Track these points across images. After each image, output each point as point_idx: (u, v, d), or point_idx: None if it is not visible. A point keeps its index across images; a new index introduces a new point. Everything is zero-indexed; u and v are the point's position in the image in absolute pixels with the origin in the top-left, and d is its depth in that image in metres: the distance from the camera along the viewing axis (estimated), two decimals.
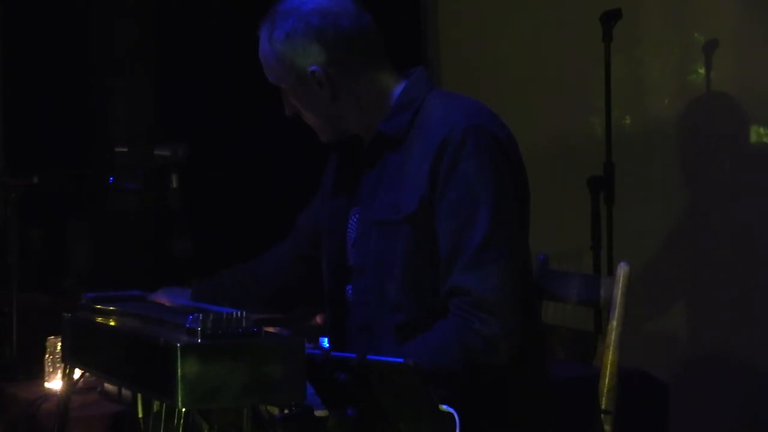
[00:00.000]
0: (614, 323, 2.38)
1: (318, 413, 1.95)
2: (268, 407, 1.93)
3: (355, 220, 2.43)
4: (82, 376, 2.44)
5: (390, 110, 2.38)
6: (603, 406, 2.37)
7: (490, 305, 2.22)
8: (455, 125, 2.28)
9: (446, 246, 2.26)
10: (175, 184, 2.82)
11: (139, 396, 2.24)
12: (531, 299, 2.41)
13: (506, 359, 2.25)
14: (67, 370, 2.33)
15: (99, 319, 2.14)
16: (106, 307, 2.19)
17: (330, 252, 2.48)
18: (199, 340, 1.78)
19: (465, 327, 2.22)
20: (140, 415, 2.23)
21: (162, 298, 2.31)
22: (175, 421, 1.88)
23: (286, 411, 1.91)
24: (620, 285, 2.38)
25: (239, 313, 1.83)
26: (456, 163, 2.26)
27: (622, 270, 2.39)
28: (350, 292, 2.42)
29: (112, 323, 2.10)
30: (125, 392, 2.60)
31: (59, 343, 2.75)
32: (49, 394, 2.82)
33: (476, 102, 2.38)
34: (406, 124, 2.35)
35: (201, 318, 1.79)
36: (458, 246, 2.25)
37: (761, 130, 3.87)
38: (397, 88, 2.40)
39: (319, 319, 2.85)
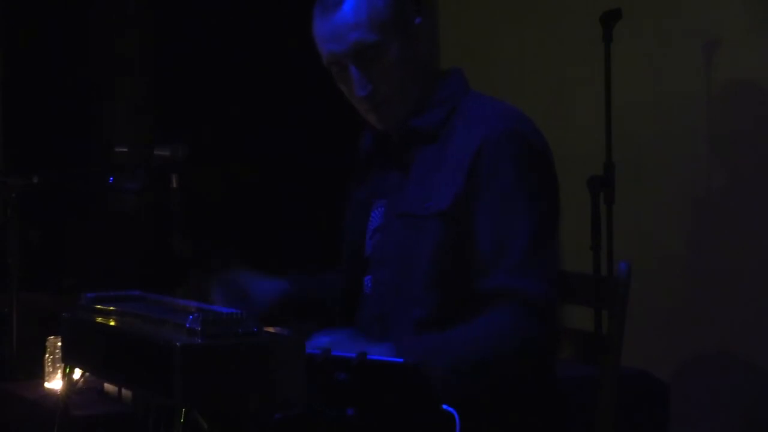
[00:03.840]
0: (614, 323, 2.37)
1: (318, 413, 1.95)
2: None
3: (378, 212, 2.42)
4: (82, 376, 2.44)
5: (427, 104, 2.37)
6: (603, 406, 2.36)
7: (539, 309, 2.20)
8: (495, 127, 2.28)
9: (487, 245, 2.24)
10: (175, 184, 2.83)
11: (140, 396, 2.23)
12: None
13: (537, 363, 2.25)
14: (67, 370, 2.32)
15: (99, 319, 2.13)
16: (106, 307, 2.18)
17: (351, 243, 2.47)
18: (199, 340, 1.78)
19: (508, 327, 2.19)
20: (140, 415, 2.23)
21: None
22: (175, 421, 1.88)
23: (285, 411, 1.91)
24: (620, 285, 2.38)
25: (239, 313, 1.83)
26: (497, 163, 2.25)
27: (622, 270, 2.39)
28: (368, 283, 2.41)
29: (112, 323, 2.09)
30: (125, 392, 2.60)
31: (59, 343, 2.75)
32: (49, 394, 2.82)
33: (514, 106, 2.38)
34: (440, 120, 2.35)
35: (201, 318, 1.79)
36: (503, 247, 2.22)
37: (761, 130, 3.87)
38: (436, 83, 2.40)
39: None
